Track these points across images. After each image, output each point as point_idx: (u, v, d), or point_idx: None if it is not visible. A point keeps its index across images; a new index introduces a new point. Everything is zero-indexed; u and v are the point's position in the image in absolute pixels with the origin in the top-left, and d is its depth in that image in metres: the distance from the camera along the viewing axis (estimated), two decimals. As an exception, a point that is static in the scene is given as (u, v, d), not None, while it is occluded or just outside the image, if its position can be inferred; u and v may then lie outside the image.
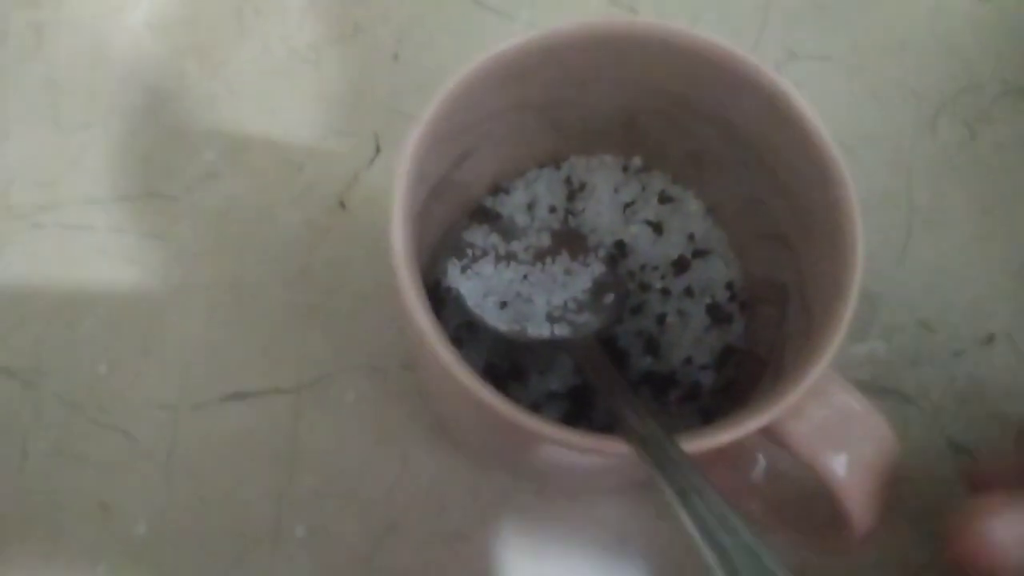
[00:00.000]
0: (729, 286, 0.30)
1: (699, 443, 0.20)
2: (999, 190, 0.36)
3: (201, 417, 0.31)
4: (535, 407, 0.28)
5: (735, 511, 0.18)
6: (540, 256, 0.29)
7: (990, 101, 0.37)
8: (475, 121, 0.26)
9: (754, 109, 0.24)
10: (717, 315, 0.29)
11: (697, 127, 0.28)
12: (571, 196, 0.31)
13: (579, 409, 0.28)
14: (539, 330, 0.27)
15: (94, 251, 0.34)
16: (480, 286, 0.28)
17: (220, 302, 0.33)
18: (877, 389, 0.33)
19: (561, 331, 0.27)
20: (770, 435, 0.21)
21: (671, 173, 0.30)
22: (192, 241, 0.34)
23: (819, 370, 0.20)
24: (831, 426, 0.21)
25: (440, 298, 0.29)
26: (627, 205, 0.30)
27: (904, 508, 0.31)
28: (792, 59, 0.38)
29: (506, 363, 0.29)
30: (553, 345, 0.27)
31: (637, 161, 0.30)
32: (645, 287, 0.30)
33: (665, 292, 0.30)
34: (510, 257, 0.29)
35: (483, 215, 0.31)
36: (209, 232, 0.34)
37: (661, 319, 0.29)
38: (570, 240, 0.30)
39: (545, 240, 0.30)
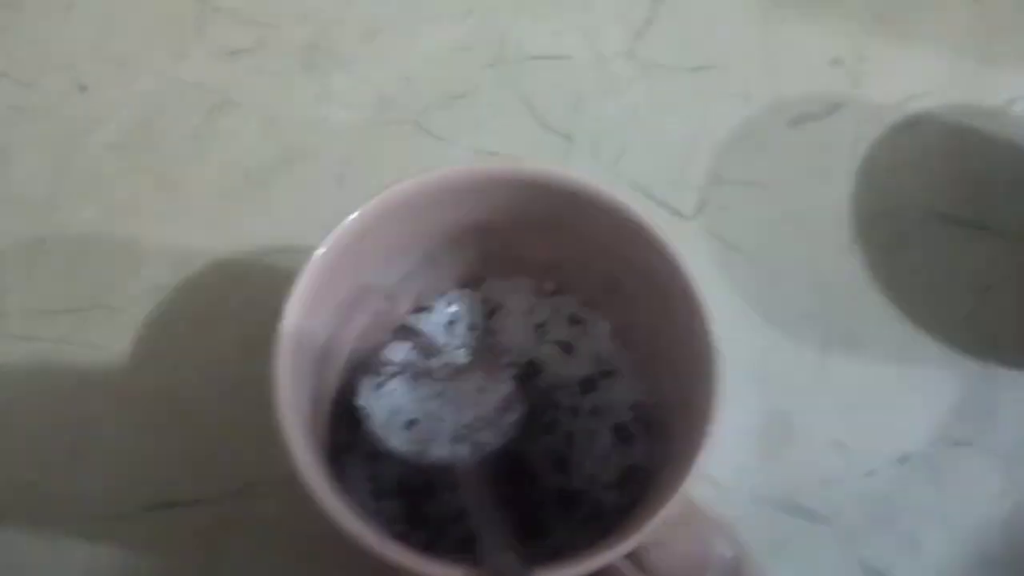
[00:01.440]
0: (634, 407, 0.31)
1: (553, 576, 0.20)
2: (915, 312, 0.37)
3: (125, 526, 0.32)
4: (443, 525, 0.29)
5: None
6: (456, 374, 0.31)
7: (907, 226, 0.39)
8: (378, 248, 0.28)
9: (631, 242, 0.26)
10: (621, 435, 0.30)
11: (602, 260, 0.29)
12: (490, 315, 0.32)
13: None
14: (441, 451, 0.28)
15: (37, 361, 0.35)
16: (390, 404, 0.29)
17: (155, 412, 0.34)
18: (789, 507, 0.33)
19: (462, 451, 0.28)
20: (639, 566, 0.22)
21: (583, 297, 0.32)
22: (133, 353, 0.35)
23: (673, 504, 0.21)
24: (694, 559, 0.22)
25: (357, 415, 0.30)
26: (539, 326, 0.32)
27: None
28: (718, 183, 0.40)
29: (419, 480, 0.30)
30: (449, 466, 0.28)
31: (549, 285, 0.32)
32: (556, 406, 0.31)
33: (574, 411, 0.31)
34: (426, 374, 0.30)
35: (404, 332, 0.32)
36: (150, 344, 0.35)
37: (570, 438, 0.30)
38: (486, 358, 0.31)
39: (463, 358, 0.31)
